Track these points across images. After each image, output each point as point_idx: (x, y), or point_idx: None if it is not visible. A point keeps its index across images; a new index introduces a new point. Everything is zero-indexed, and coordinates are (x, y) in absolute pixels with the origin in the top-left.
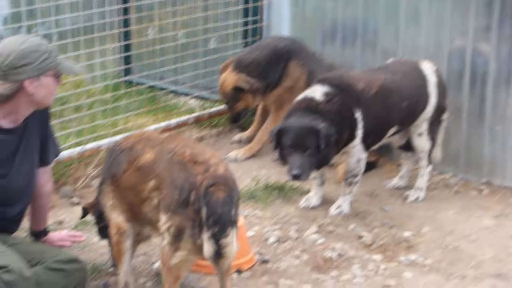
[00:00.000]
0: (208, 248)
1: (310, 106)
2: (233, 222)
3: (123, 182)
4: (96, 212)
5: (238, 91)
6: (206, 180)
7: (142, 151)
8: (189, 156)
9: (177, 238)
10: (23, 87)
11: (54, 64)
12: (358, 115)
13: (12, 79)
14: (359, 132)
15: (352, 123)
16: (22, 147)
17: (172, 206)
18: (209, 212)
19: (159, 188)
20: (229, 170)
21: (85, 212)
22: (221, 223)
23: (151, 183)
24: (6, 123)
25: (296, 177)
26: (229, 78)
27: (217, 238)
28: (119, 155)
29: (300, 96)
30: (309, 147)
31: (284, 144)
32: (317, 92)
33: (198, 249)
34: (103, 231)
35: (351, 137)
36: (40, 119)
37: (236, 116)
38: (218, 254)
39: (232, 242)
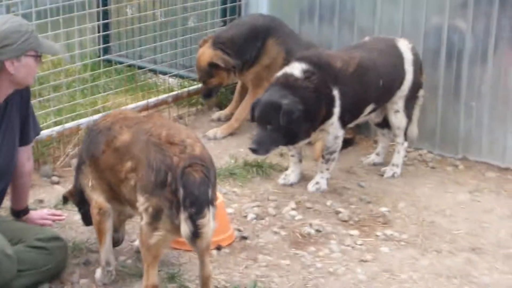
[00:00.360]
0: (185, 228)
1: (288, 82)
2: (210, 202)
3: (102, 163)
4: (76, 199)
5: (213, 67)
6: (182, 161)
7: (119, 132)
8: (165, 137)
9: (155, 218)
10: (4, 67)
11: (34, 45)
12: (336, 92)
13: None
14: (336, 110)
15: (330, 100)
16: (3, 126)
17: (149, 188)
18: (186, 193)
19: (136, 169)
20: (206, 150)
21: (65, 200)
22: (198, 204)
23: (128, 164)
24: None
25: (252, 151)
26: (206, 53)
27: (194, 218)
28: (97, 136)
29: (279, 72)
30: (271, 122)
31: (254, 118)
32: (296, 69)
33: (175, 229)
34: (86, 217)
35: (328, 115)
36: (21, 98)
37: (208, 91)
38: (196, 234)
39: (209, 222)
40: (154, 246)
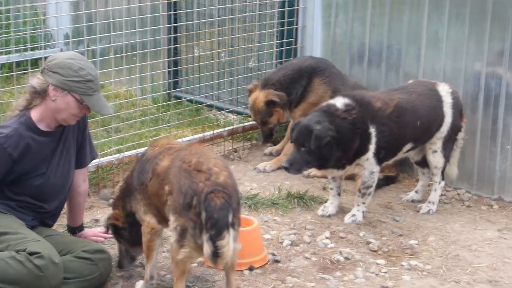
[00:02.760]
0: (206, 248)
1: (328, 110)
2: (230, 226)
3: (149, 189)
4: (124, 221)
5: (270, 105)
6: (206, 188)
7: (161, 159)
8: (194, 164)
9: (181, 236)
10: (47, 90)
11: (81, 92)
12: (373, 130)
13: (44, 78)
14: (372, 147)
15: (366, 136)
16: (59, 148)
17: (178, 209)
18: (207, 216)
19: (171, 192)
20: (231, 178)
21: (114, 228)
22: (218, 227)
23: (166, 188)
24: (42, 127)
25: (285, 169)
26: (260, 95)
27: (214, 240)
28: (146, 165)
29: (325, 103)
30: (304, 145)
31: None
32: (339, 102)
33: (199, 248)
34: (132, 239)
35: (364, 150)
36: (78, 126)
37: (270, 131)
38: (215, 254)
39: (228, 244)
40: (181, 261)
